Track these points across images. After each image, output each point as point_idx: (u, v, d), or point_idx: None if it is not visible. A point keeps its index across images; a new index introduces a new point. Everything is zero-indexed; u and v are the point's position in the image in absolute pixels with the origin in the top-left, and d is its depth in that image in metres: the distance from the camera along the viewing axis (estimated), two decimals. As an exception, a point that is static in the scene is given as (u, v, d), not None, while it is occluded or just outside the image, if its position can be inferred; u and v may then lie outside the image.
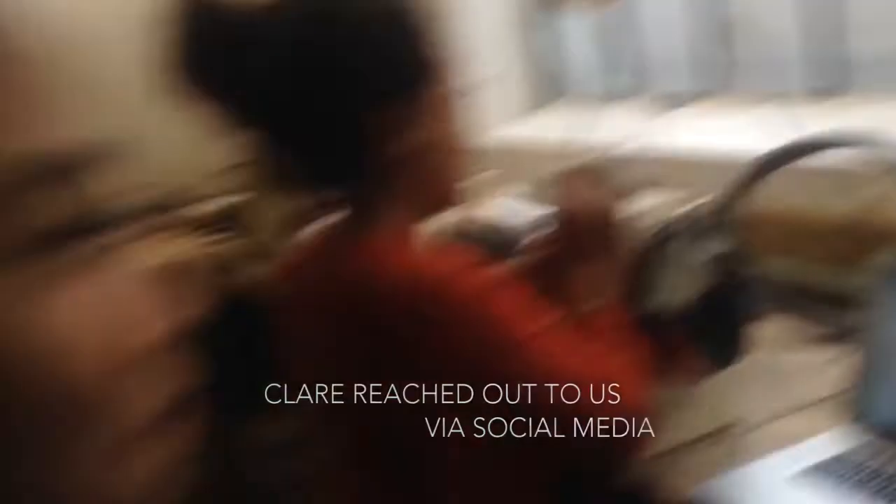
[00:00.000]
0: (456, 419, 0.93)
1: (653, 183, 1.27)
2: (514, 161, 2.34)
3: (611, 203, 1.07)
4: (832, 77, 1.96)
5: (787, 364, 1.37)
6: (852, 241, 1.44)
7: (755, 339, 1.44)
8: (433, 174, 1.02)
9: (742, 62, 2.16)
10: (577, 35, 2.62)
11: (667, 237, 1.06)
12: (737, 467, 1.08)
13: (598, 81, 2.54)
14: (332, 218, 1.08)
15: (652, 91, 2.44)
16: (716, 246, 1.07)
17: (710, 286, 1.11)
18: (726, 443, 1.16)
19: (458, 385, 0.90)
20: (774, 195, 1.72)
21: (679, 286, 1.10)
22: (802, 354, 1.39)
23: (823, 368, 1.31)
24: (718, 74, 2.25)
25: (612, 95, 2.48)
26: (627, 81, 2.40)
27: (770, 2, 2.12)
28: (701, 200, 1.08)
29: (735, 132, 1.92)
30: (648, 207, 1.10)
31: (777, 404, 1.24)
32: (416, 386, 0.91)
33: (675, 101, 2.33)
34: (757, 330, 1.41)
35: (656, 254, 1.07)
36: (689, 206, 1.07)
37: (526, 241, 1.23)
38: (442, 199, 1.08)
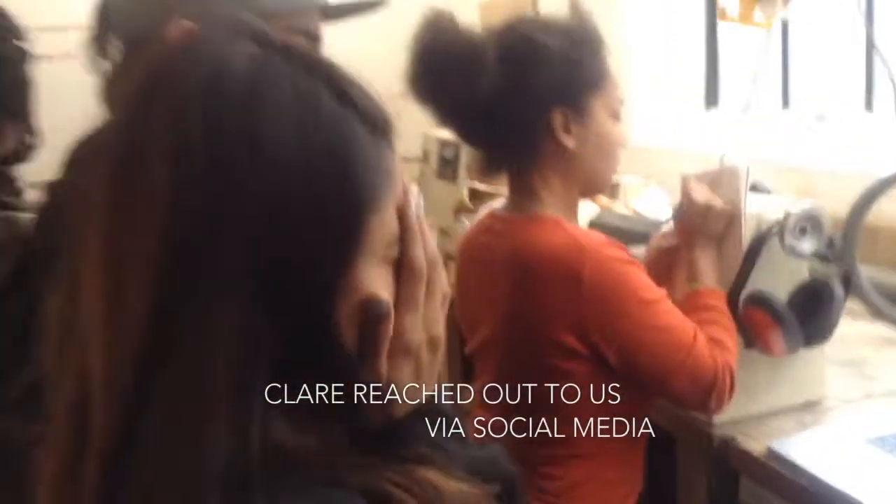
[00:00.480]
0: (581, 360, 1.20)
1: (768, 188, 1.49)
2: (663, 161, 2.56)
3: (730, 202, 1.30)
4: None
5: (869, 355, 1.55)
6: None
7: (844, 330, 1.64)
8: (590, 167, 1.29)
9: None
10: (739, 51, 2.78)
11: (774, 234, 1.28)
12: (820, 427, 1.30)
13: (751, 95, 2.70)
14: (499, 202, 1.39)
15: (800, 108, 2.58)
16: (815, 244, 1.28)
17: (807, 278, 1.32)
18: (809, 415, 1.37)
19: (594, 331, 1.17)
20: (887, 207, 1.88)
21: (780, 276, 1.31)
22: (883, 349, 1.57)
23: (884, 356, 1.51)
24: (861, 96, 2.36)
25: (763, 109, 2.64)
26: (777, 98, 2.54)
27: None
28: (807, 204, 1.28)
29: (867, 151, 2.05)
30: (761, 208, 1.32)
31: (853, 388, 1.44)
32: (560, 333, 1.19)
33: (821, 119, 2.47)
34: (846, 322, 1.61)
35: (764, 246, 1.28)
36: (796, 209, 1.27)
37: (659, 229, 1.48)
38: (595, 187, 1.38)
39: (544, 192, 1.28)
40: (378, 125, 0.56)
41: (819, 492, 1.14)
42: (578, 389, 1.22)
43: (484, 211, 1.44)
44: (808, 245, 1.28)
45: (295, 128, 0.52)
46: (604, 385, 1.22)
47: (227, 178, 0.50)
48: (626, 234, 1.68)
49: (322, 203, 0.52)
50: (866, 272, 1.77)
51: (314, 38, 0.99)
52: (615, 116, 1.31)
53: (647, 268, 1.41)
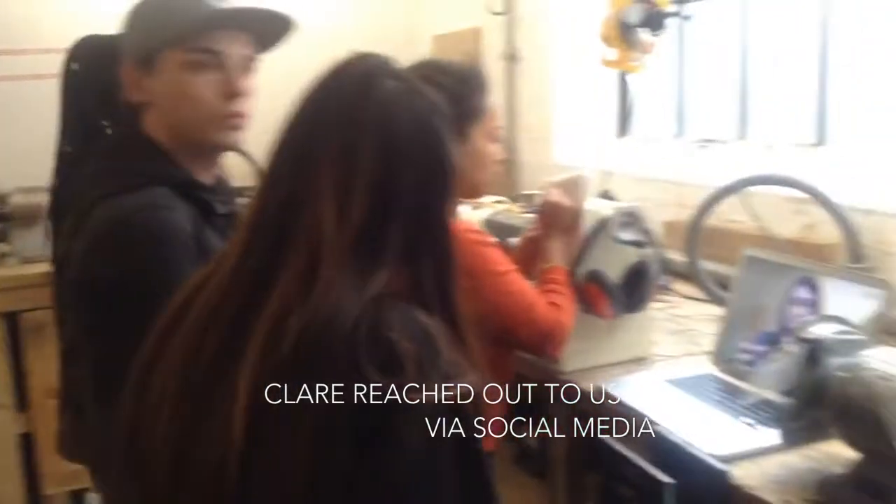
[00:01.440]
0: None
1: (613, 195, 1.92)
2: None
3: (574, 202, 1.73)
4: (815, 130, 2.50)
5: (699, 327, 1.98)
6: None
7: (681, 313, 2.08)
8: (469, 178, 1.67)
9: (754, 117, 2.73)
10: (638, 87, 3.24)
11: (604, 226, 1.70)
12: (635, 374, 1.72)
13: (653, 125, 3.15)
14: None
15: (690, 134, 3.04)
16: (634, 234, 1.70)
17: (633, 260, 1.75)
18: (638, 366, 1.79)
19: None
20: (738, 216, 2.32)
21: (612, 258, 1.74)
22: (709, 326, 2.01)
23: (711, 328, 1.92)
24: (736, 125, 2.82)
25: (658, 136, 3.09)
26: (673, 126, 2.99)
27: (775, 67, 2.68)
28: (629, 204, 1.71)
29: (730, 170, 2.49)
30: (599, 207, 1.75)
31: (679, 350, 1.86)
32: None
33: (702, 143, 2.92)
34: (683, 308, 2.05)
35: (597, 236, 1.71)
36: (623, 208, 1.70)
37: (526, 225, 1.90)
38: (474, 193, 1.77)
39: None
40: (444, 114, 0.98)
41: (630, 414, 1.56)
42: None
43: None
44: (629, 235, 1.71)
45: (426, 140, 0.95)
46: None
47: (401, 151, 0.91)
48: (510, 227, 2.11)
49: (433, 162, 0.95)
50: (715, 267, 2.20)
51: (216, 54, 1.21)
52: (492, 139, 1.71)
53: (519, 250, 1.84)
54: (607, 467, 1.44)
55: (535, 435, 2.54)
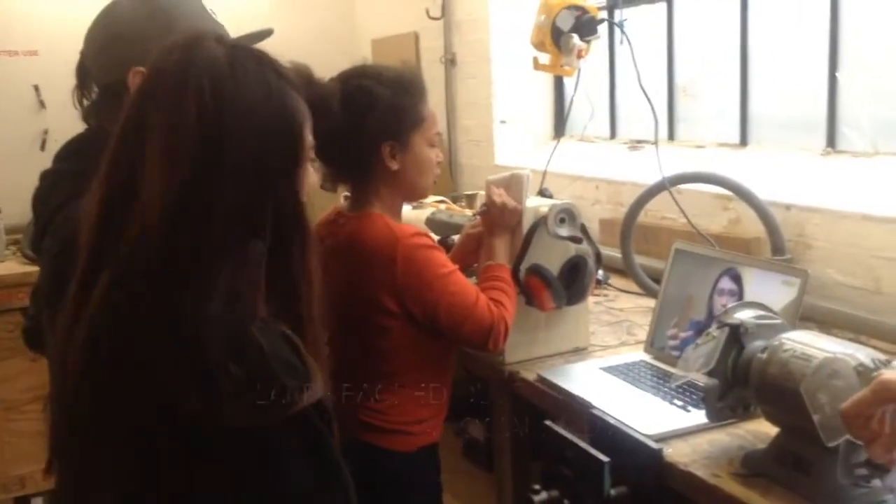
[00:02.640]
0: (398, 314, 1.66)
1: (551, 193, 2.00)
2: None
3: (516, 200, 1.80)
4: (739, 132, 2.64)
5: (635, 318, 2.09)
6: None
7: (617, 306, 2.18)
8: (411, 182, 1.72)
9: (684, 120, 2.86)
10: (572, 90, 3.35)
11: (542, 222, 1.78)
12: (574, 363, 1.81)
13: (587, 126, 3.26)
14: (342, 202, 1.84)
15: (621, 135, 3.15)
16: (570, 230, 1.79)
17: (572, 255, 1.83)
18: (576, 356, 1.88)
19: (406, 297, 1.63)
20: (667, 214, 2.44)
21: (552, 253, 1.82)
22: (644, 317, 2.11)
23: (646, 319, 2.03)
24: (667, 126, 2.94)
25: (594, 137, 3.21)
26: (605, 128, 3.09)
27: (703, 72, 2.81)
28: (565, 201, 1.80)
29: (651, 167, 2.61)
30: (536, 205, 1.83)
31: (615, 340, 1.96)
32: (382, 299, 1.64)
33: (633, 144, 3.04)
34: (618, 301, 2.15)
35: (536, 232, 1.79)
36: (558, 205, 1.78)
37: (468, 223, 1.97)
38: (416, 195, 1.83)
39: (374, 197, 1.71)
40: (297, 87, 1.00)
41: (569, 400, 1.64)
42: (396, 338, 1.66)
43: (332, 208, 1.87)
44: (565, 231, 1.79)
45: (265, 100, 0.95)
46: (414, 334, 1.66)
47: (225, 122, 0.93)
48: (450, 225, 2.18)
49: (287, 130, 0.97)
50: (648, 261, 2.31)
51: None
52: (431, 144, 1.72)
53: (460, 246, 1.91)
54: (549, 450, 1.52)
55: (482, 427, 2.62)
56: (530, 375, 1.78)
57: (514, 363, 1.84)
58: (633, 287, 2.29)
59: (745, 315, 1.36)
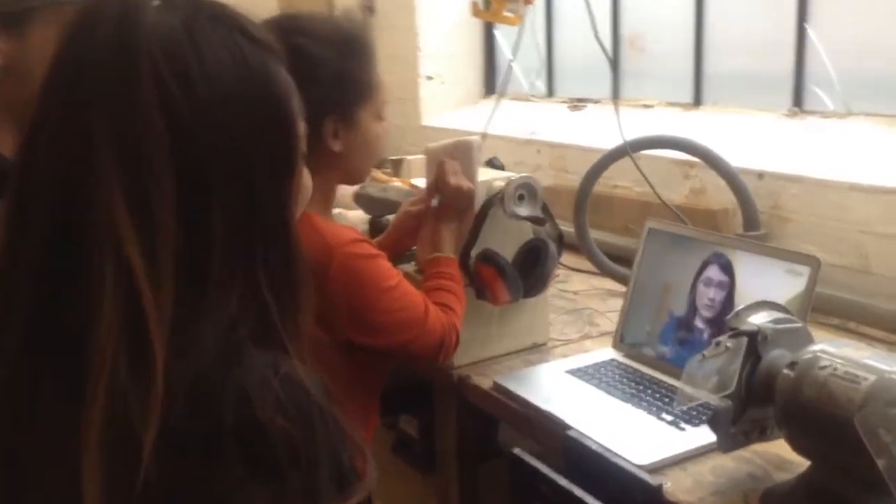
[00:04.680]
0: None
1: (501, 164, 1.72)
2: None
3: (464, 173, 1.50)
4: (692, 90, 2.40)
5: (590, 306, 1.84)
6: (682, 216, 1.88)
7: (571, 289, 1.92)
8: (354, 165, 1.39)
9: (631, 76, 2.61)
10: (509, 42, 3.06)
11: (497, 200, 1.49)
12: (534, 366, 1.54)
13: (521, 84, 2.98)
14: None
15: (559, 94, 2.89)
16: (531, 209, 1.51)
17: (527, 238, 1.56)
18: (535, 354, 1.61)
19: (341, 321, 1.30)
20: (619, 182, 2.19)
21: (507, 236, 1.54)
22: (607, 300, 1.87)
23: (615, 311, 1.79)
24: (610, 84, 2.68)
25: (530, 96, 2.93)
26: (542, 85, 2.82)
27: (651, 27, 2.56)
28: (524, 175, 1.51)
29: (608, 131, 2.35)
30: (489, 179, 1.54)
31: (576, 332, 1.71)
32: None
33: (574, 103, 2.78)
34: (571, 283, 1.90)
35: (490, 211, 1.50)
36: (517, 180, 1.50)
37: (408, 199, 1.66)
38: (355, 180, 1.49)
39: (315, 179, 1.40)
40: (278, 55, 0.71)
41: (533, 415, 1.38)
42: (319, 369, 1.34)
43: None
44: (524, 210, 1.51)
45: (233, 68, 0.67)
46: (341, 358, 1.33)
47: (183, 110, 0.64)
48: (383, 203, 1.86)
49: (269, 112, 0.68)
50: (599, 236, 2.06)
51: None
52: (379, 118, 1.39)
53: (395, 227, 1.60)
54: (519, 484, 1.25)
55: (416, 423, 2.35)
56: (484, 382, 1.51)
57: (465, 366, 1.56)
58: (587, 265, 2.03)
59: (760, 319, 1.11)
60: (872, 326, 1.60)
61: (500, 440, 1.81)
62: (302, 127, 0.72)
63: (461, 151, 1.54)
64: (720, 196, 1.96)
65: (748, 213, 1.82)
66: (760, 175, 1.87)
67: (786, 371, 1.04)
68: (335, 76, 1.31)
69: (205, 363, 0.61)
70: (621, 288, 1.93)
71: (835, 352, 1.01)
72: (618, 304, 1.83)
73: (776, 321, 1.11)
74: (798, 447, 1.05)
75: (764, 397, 1.08)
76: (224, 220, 0.65)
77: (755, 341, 1.08)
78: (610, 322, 1.74)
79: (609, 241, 2.09)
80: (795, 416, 1.03)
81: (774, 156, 1.93)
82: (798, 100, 2.12)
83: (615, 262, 1.97)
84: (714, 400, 1.07)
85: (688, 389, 1.09)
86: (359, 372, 1.39)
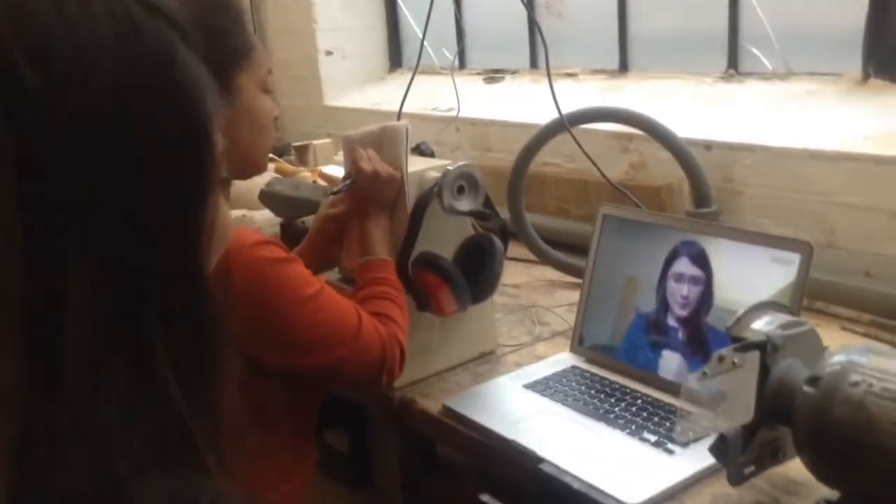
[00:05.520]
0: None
1: (431, 150, 1.50)
2: (351, 126, 2.54)
3: (392, 162, 1.29)
4: (618, 56, 2.24)
5: (535, 301, 1.65)
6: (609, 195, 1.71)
7: (510, 282, 1.74)
8: (244, 147, 1.13)
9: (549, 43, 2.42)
10: (413, 12, 2.82)
11: (434, 194, 1.28)
12: (487, 381, 1.34)
13: (429, 56, 2.75)
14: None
15: (472, 66, 2.68)
16: (473, 202, 1.31)
17: (468, 236, 1.35)
18: (485, 365, 1.42)
19: (249, 342, 1.06)
20: (549, 159, 2.01)
21: (447, 235, 1.33)
22: (548, 295, 1.69)
23: (562, 305, 1.61)
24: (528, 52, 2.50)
25: (441, 69, 2.71)
26: (453, 57, 2.60)
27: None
28: (462, 163, 1.31)
29: (531, 104, 2.17)
30: (421, 169, 1.32)
31: (525, 334, 1.52)
32: None
33: (489, 75, 2.58)
34: (509, 274, 1.71)
35: (427, 208, 1.29)
36: (452, 169, 1.29)
37: (327, 199, 1.43)
38: (253, 168, 1.21)
39: None
40: (187, 34, 0.52)
41: (490, 442, 1.18)
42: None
43: None
44: (465, 204, 1.31)
45: (117, 46, 0.46)
46: (262, 386, 1.11)
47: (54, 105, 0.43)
48: (296, 202, 1.62)
49: (167, 114, 0.47)
50: (534, 219, 1.87)
51: None
52: (265, 89, 1.16)
53: (316, 235, 1.37)
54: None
55: (345, 437, 2.13)
56: (431, 405, 1.30)
57: (405, 386, 1.35)
58: (525, 253, 1.84)
59: (765, 325, 0.94)
60: (843, 306, 1.48)
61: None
62: (219, 139, 0.49)
63: (387, 138, 1.32)
64: (663, 170, 1.81)
65: (699, 188, 1.66)
66: (708, 146, 1.72)
67: (807, 388, 0.87)
68: (202, 34, 1.06)
69: None
70: (566, 278, 1.76)
71: (866, 363, 0.85)
72: (565, 297, 1.66)
73: (784, 326, 0.94)
74: (824, 476, 0.89)
75: (776, 417, 0.92)
76: (89, 277, 0.43)
77: (764, 353, 0.91)
78: (561, 320, 1.56)
79: (543, 225, 1.91)
80: (822, 441, 0.86)
81: (719, 124, 1.79)
82: (733, 61, 1.99)
83: (552, 248, 1.80)
84: (725, 429, 0.89)
85: (691, 419, 0.91)
86: (282, 407, 1.17)
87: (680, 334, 1.25)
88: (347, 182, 1.29)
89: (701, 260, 1.23)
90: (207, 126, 0.50)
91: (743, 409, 0.88)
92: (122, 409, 0.44)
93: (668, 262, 1.27)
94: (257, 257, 1.06)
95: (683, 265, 1.25)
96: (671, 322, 1.26)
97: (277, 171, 2.07)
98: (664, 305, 1.27)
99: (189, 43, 0.51)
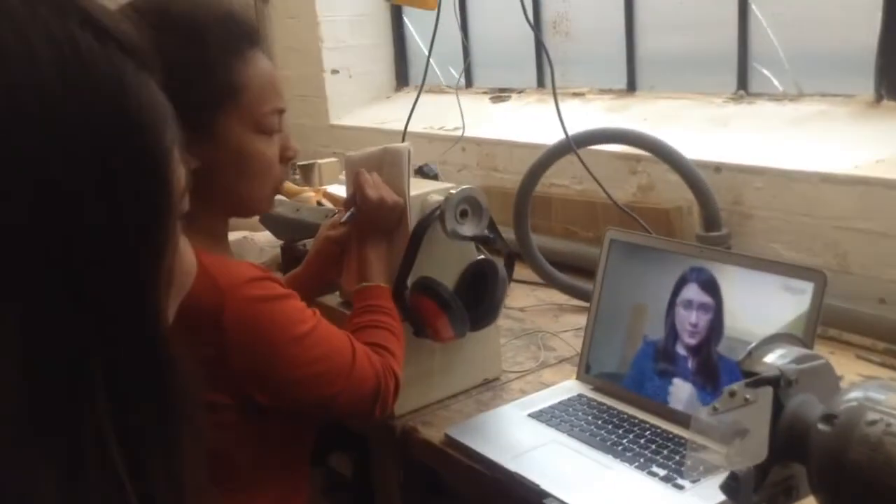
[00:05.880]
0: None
1: (435, 172, 1.48)
2: (357, 145, 2.52)
3: (393, 187, 1.26)
4: (626, 76, 2.22)
5: (541, 326, 1.62)
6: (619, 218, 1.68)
7: (515, 305, 1.70)
8: (230, 189, 1.08)
9: (556, 62, 2.40)
10: (420, 30, 2.81)
11: (436, 218, 1.26)
12: (491, 410, 1.31)
13: (435, 75, 2.73)
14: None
15: (478, 84, 2.66)
16: (476, 227, 1.28)
17: (472, 260, 1.32)
18: (488, 392, 1.38)
19: (245, 381, 1.03)
20: (556, 180, 1.99)
21: (448, 260, 1.30)
22: (554, 320, 1.65)
23: (569, 329, 1.58)
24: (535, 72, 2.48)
25: (447, 87, 2.69)
26: (459, 76, 2.58)
27: (574, 7, 2.35)
28: (465, 187, 1.28)
29: (537, 123, 2.14)
30: (423, 192, 1.29)
31: (531, 360, 1.48)
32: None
33: (496, 94, 2.56)
34: (514, 297, 1.68)
35: (427, 232, 1.26)
36: (455, 193, 1.26)
37: (327, 221, 1.40)
38: (245, 209, 1.16)
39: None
40: (144, 60, 0.48)
41: (493, 474, 1.15)
42: (231, 436, 1.06)
43: None
44: (469, 228, 1.28)
45: (56, 75, 0.42)
46: (257, 423, 1.08)
47: None
48: (296, 224, 1.59)
49: (115, 149, 0.44)
50: (541, 241, 1.84)
51: None
52: (263, 130, 1.08)
53: (315, 257, 1.34)
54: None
55: (348, 460, 2.09)
56: (433, 434, 1.27)
57: (406, 414, 1.32)
58: (530, 275, 1.81)
59: (778, 358, 0.91)
60: (857, 333, 1.44)
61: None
62: (180, 173, 0.46)
63: (388, 161, 1.29)
64: (671, 193, 1.78)
65: (708, 211, 1.63)
66: (717, 168, 1.69)
67: (821, 426, 0.84)
68: (177, 73, 1.00)
69: None
70: (572, 301, 1.73)
71: (884, 400, 0.81)
72: (572, 321, 1.63)
73: (798, 360, 0.90)
74: (841, 519, 0.85)
75: (790, 454, 0.88)
76: (20, 326, 0.40)
77: (777, 388, 0.88)
78: (567, 346, 1.53)
79: (549, 247, 1.88)
80: (837, 482, 0.82)
81: (729, 146, 1.76)
82: (743, 81, 1.96)
83: (558, 270, 1.76)
84: (738, 468, 0.86)
85: (701, 453, 0.88)
86: (275, 442, 1.13)
87: (689, 363, 1.21)
88: (352, 211, 1.25)
89: (711, 287, 1.19)
90: (163, 161, 0.47)
91: (756, 448, 0.84)
92: (59, 484, 0.40)
93: (677, 288, 1.24)
94: (250, 296, 1.02)
95: (692, 292, 1.22)
96: (680, 350, 1.22)
97: (285, 189, 2.05)
98: (673, 333, 1.24)
99: (149, 71, 0.47)
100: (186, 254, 0.52)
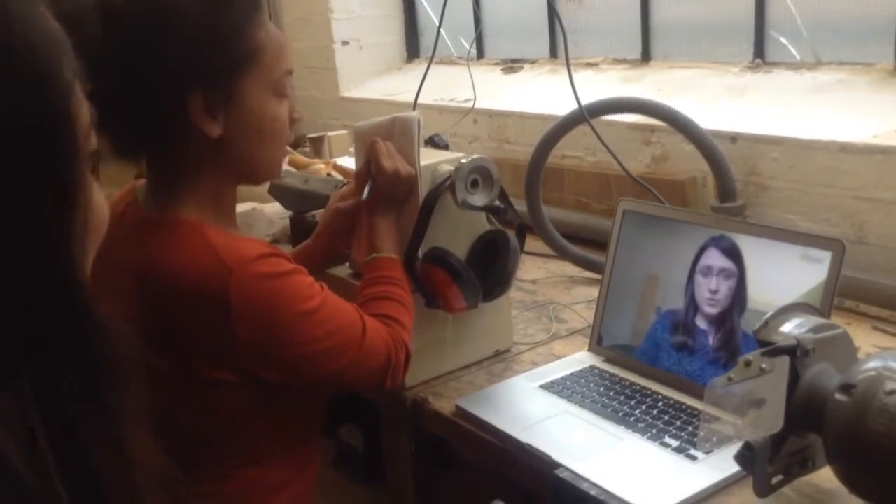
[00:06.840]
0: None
1: (445, 142, 1.46)
2: (367, 118, 2.50)
3: (403, 157, 1.24)
4: (640, 45, 2.18)
5: (553, 298, 1.60)
6: (632, 189, 1.65)
7: (527, 277, 1.69)
8: (249, 155, 1.07)
9: (569, 31, 2.36)
10: (430, 2, 2.77)
11: (447, 188, 1.24)
12: (502, 381, 1.30)
13: (446, 46, 2.70)
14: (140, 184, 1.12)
15: (490, 55, 2.62)
16: (487, 197, 1.26)
17: (483, 231, 1.31)
18: (499, 364, 1.37)
19: (251, 360, 1.01)
20: (569, 151, 1.96)
21: (459, 230, 1.29)
22: (566, 292, 1.64)
23: (581, 302, 1.56)
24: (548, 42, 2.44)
25: (458, 59, 2.66)
26: (470, 46, 2.55)
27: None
28: (476, 156, 1.26)
29: (550, 94, 2.12)
30: (434, 162, 1.28)
31: (542, 332, 1.47)
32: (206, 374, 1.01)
33: (507, 65, 2.52)
34: (526, 269, 1.66)
35: (438, 201, 1.24)
36: (466, 162, 1.24)
37: (336, 192, 1.38)
38: (260, 176, 1.14)
39: (185, 188, 1.04)
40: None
41: (504, 445, 1.14)
42: (237, 411, 1.05)
43: (124, 190, 1.14)
44: (480, 198, 1.26)
45: None
46: (265, 398, 1.06)
47: None
48: (305, 195, 1.57)
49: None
50: (553, 213, 1.82)
51: None
52: (278, 93, 1.07)
53: (325, 229, 1.32)
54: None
55: (359, 432, 2.09)
56: (444, 405, 1.26)
57: (417, 385, 1.31)
58: (542, 248, 1.79)
59: (795, 328, 0.89)
60: (874, 304, 1.42)
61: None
62: (83, 109, 0.44)
63: (398, 130, 1.27)
64: (686, 163, 1.75)
65: (724, 182, 1.61)
66: (734, 138, 1.66)
67: (839, 396, 0.82)
68: (203, 32, 0.97)
69: None
70: (584, 273, 1.71)
71: (901, 369, 0.80)
72: (584, 293, 1.61)
73: (815, 329, 0.89)
74: (857, 488, 0.84)
75: (806, 425, 0.87)
76: None
77: (794, 358, 0.86)
78: (578, 317, 1.51)
79: (561, 219, 1.86)
80: (856, 453, 0.81)
81: (745, 115, 1.73)
82: (760, 50, 1.92)
83: (571, 243, 1.75)
84: (752, 438, 0.84)
85: (715, 424, 0.87)
86: (286, 416, 1.12)
87: (710, 339, 1.19)
88: (370, 185, 1.23)
89: (733, 253, 1.17)
90: (61, 98, 0.43)
91: (771, 418, 0.83)
92: None
93: (697, 258, 1.22)
94: (258, 273, 1.00)
95: (713, 258, 1.19)
96: (700, 324, 1.20)
97: (291, 163, 2.04)
98: (693, 305, 1.22)
99: (48, 3, 0.44)
100: (97, 197, 0.48)
